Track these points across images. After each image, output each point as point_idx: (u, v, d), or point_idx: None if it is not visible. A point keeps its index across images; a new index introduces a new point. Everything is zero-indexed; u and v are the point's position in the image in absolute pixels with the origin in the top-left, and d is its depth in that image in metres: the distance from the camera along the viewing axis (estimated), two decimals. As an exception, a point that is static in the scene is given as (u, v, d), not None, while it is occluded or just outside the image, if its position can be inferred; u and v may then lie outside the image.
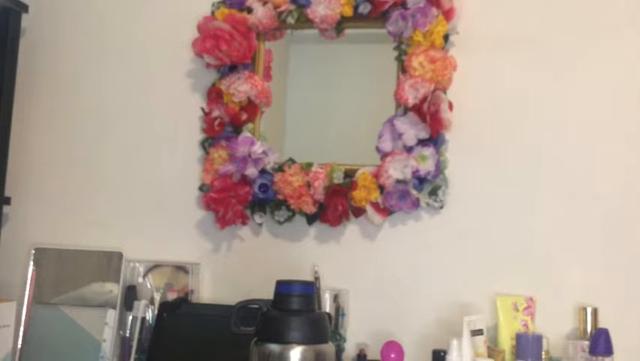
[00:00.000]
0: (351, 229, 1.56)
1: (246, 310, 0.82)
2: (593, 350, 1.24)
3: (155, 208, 1.66)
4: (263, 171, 1.53)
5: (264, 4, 1.57)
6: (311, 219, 1.52)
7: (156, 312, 1.50)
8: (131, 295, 1.56)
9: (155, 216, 1.66)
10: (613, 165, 1.45)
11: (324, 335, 0.82)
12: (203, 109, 1.61)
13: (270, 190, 1.52)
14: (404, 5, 1.48)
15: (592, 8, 1.50)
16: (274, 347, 0.77)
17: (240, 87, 1.55)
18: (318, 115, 1.64)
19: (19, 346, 1.55)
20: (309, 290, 0.84)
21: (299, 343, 0.77)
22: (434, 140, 1.46)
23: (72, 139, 1.74)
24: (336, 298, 1.47)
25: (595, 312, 1.36)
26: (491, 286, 1.45)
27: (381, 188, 1.46)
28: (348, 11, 1.52)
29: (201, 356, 1.42)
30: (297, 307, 0.82)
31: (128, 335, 1.52)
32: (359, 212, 1.50)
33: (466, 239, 1.50)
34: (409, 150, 1.46)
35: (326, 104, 1.65)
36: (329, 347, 0.80)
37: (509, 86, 1.52)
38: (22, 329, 1.56)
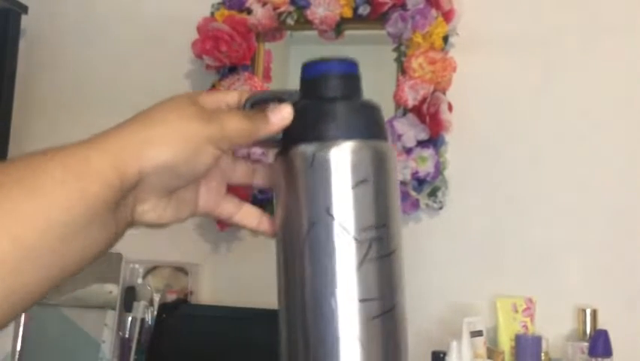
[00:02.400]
0: (351, 230, 1.56)
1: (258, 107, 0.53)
2: (593, 352, 1.24)
3: (155, 209, 1.66)
4: (262, 172, 1.53)
5: (264, 5, 1.57)
6: (310, 220, 1.52)
7: (155, 313, 1.50)
8: (130, 296, 1.56)
9: (155, 217, 1.66)
10: (613, 165, 1.45)
11: (383, 129, 0.54)
12: (202, 110, 1.60)
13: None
14: (404, 7, 1.48)
15: (592, 8, 1.50)
16: (311, 148, 0.50)
17: (240, 88, 1.55)
18: (317, 116, 1.64)
19: (18, 347, 1.55)
20: (352, 70, 0.56)
21: (348, 138, 0.50)
22: (434, 141, 1.46)
23: (72, 140, 1.73)
24: (335, 299, 1.47)
25: (594, 313, 1.36)
26: (491, 287, 1.45)
27: (381, 189, 1.46)
28: (348, 12, 1.52)
29: (201, 357, 1.42)
30: (339, 94, 0.53)
31: (127, 336, 1.52)
32: (358, 213, 1.50)
33: (466, 240, 1.50)
34: (408, 151, 1.46)
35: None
36: (390, 148, 0.53)
37: (509, 88, 1.52)
38: (21, 330, 1.56)
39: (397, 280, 0.50)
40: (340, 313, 0.48)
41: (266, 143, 0.53)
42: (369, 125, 0.53)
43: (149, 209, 0.47)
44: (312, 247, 0.50)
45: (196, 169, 0.47)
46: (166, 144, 0.44)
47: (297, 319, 0.50)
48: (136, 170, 0.43)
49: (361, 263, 0.48)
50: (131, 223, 0.47)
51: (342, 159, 0.49)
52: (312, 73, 0.53)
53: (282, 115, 0.50)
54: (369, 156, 0.50)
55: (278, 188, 0.54)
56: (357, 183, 0.49)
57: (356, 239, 0.49)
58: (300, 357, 0.49)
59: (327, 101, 0.52)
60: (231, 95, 0.52)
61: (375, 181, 0.50)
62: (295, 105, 0.52)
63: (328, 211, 0.49)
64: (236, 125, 0.48)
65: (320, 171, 0.50)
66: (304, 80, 0.53)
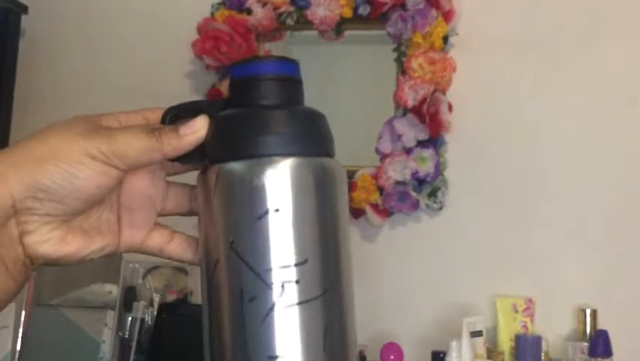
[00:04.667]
0: (351, 231, 1.55)
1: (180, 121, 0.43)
2: (593, 352, 1.24)
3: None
4: (262, 173, 1.53)
5: (264, 5, 1.57)
6: (310, 220, 1.52)
7: (155, 313, 1.50)
8: (130, 296, 1.56)
9: (155, 218, 1.66)
10: (613, 165, 1.45)
11: (327, 143, 0.46)
12: (202, 110, 1.60)
13: (270, 191, 1.52)
14: (404, 7, 1.48)
15: (592, 8, 1.50)
16: (237, 168, 0.40)
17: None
18: (317, 116, 1.64)
19: (18, 347, 1.55)
20: (292, 71, 0.45)
21: (284, 154, 0.40)
22: (433, 141, 1.46)
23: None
24: (335, 299, 1.47)
25: (594, 313, 1.36)
26: (491, 287, 1.45)
27: (381, 189, 1.47)
28: (348, 12, 1.52)
29: (200, 357, 1.42)
30: (273, 102, 0.42)
31: (127, 336, 1.52)
32: (358, 213, 1.50)
33: (466, 240, 1.50)
34: (408, 151, 1.46)
35: (325, 106, 1.64)
36: (336, 164, 0.45)
37: (508, 88, 1.52)
38: (21, 330, 1.56)
39: (325, 331, 0.40)
40: None
41: (192, 162, 0.45)
42: (313, 139, 0.43)
43: (40, 240, 0.41)
44: (217, 289, 0.41)
45: (81, 189, 0.40)
46: (32, 165, 0.39)
47: None
48: (6, 193, 0.38)
49: (270, 312, 0.39)
50: (30, 261, 0.41)
51: (246, 181, 0.40)
52: (240, 74, 0.43)
53: (194, 127, 0.42)
54: (285, 179, 0.40)
55: (198, 215, 0.44)
56: (264, 213, 0.39)
57: (264, 281, 0.39)
58: None
59: (254, 109, 0.42)
60: (155, 112, 0.45)
61: (294, 209, 0.40)
62: (216, 115, 0.43)
63: (232, 246, 0.40)
64: (131, 141, 0.41)
65: (224, 196, 0.41)
66: (231, 82, 0.44)
